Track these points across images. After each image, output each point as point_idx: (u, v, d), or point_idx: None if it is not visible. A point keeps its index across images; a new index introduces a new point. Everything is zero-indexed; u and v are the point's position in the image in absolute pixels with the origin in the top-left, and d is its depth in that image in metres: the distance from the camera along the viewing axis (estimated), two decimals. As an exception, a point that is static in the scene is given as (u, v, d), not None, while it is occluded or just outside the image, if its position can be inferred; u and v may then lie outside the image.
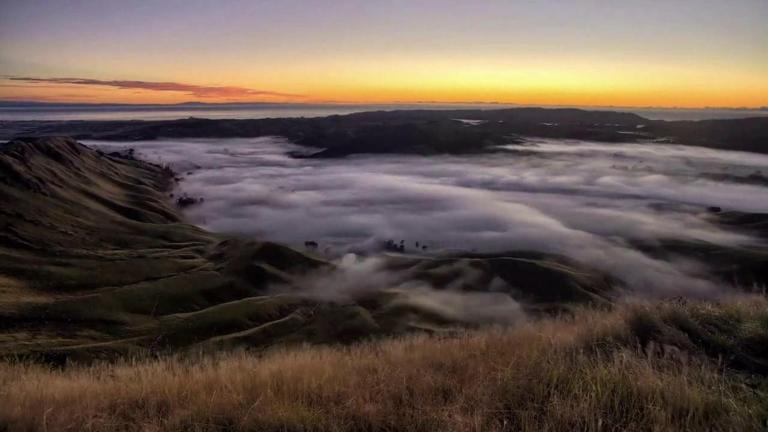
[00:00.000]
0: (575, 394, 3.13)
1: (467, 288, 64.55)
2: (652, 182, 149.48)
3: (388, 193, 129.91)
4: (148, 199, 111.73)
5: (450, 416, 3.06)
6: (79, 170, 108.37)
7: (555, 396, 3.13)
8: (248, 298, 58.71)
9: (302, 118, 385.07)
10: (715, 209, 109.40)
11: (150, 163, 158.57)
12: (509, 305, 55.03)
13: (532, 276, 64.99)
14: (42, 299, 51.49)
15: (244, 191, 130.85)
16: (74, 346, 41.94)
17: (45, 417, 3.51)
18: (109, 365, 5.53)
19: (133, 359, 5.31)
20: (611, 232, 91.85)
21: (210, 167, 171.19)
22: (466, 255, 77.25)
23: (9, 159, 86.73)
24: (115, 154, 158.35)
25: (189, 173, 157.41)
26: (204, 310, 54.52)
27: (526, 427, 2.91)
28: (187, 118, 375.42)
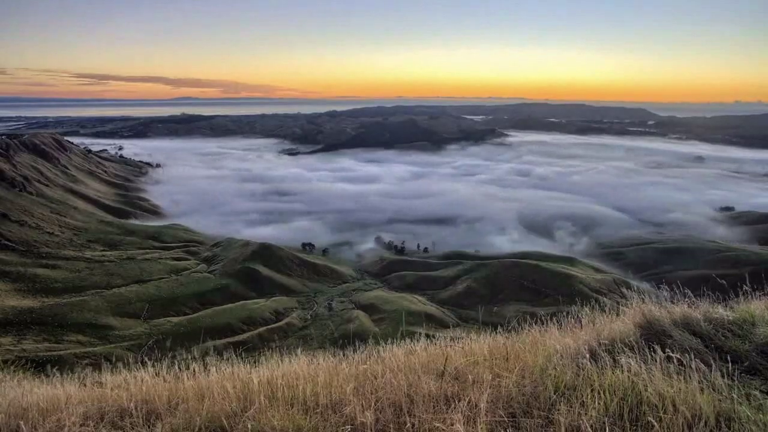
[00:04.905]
0: (583, 401, 3.07)
1: (470, 290, 63.95)
2: (658, 180, 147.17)
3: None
4: (138, 198, 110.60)
5: (452, 425, 2.95)
6: (67, 168, 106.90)
7: (562, 404, 3.06)
8: (243, 302, 58.20)
9: (299, 113, 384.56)
10: (728, 209, 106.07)
11: (140, 161, 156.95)
12: (513, 308, 54.90)
13: (538, 278, 64.36)
14: (28, 302, 50.63)
15: (240, 190, 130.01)
16: (61, 352, 41.38)
17: (29, 425, 3.43)
18: (97, 371, 5.41)
19: (121, 365, 5.17)
20: (619, 233, 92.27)
21: (205, 166, 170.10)
22: (469, 257, 76.61)
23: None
24: (104, 151, 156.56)
25: (181, 171, 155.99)
26: (196, 314, 54.01)
27: None
28: (179, 114, 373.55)
